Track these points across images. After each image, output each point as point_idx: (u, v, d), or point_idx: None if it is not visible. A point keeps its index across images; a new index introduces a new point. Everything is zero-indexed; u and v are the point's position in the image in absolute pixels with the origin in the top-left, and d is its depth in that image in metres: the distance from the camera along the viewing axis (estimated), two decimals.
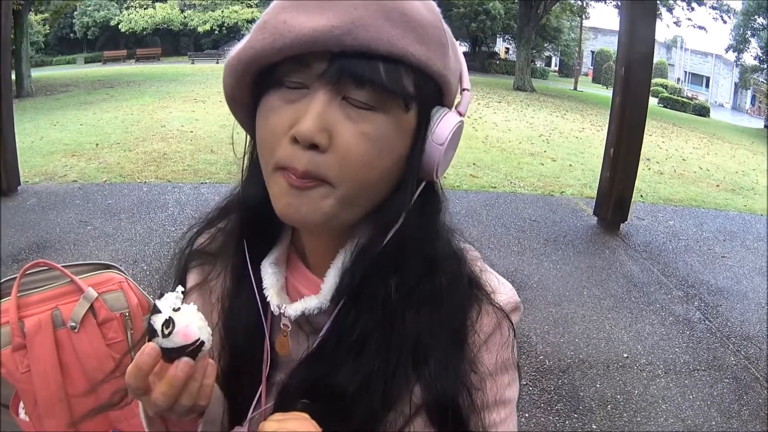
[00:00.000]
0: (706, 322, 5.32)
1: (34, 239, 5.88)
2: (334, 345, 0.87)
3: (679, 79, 62.50)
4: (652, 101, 35.03)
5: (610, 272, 6.28)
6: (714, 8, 34.79)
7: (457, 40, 0.89)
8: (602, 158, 7.96)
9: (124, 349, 1.83)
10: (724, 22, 36.17)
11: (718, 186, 12.19)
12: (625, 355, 4.59)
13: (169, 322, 0.75)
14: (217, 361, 0.92)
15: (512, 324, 0.94)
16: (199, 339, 0.76)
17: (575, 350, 4.61)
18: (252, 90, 0.84)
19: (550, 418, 3.81)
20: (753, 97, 57.95)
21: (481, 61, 47.09)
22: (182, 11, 52.80)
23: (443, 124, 0.82)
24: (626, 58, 7.21)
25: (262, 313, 0.93)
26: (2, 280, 1.86)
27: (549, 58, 63.72)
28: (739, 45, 41.50)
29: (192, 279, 1.06)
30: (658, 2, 29.49)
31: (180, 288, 0.79)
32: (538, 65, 51.84)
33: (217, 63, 41.10)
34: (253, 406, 0.95)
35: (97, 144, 11.03)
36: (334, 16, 0.72)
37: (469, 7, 40.41)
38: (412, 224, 0.85)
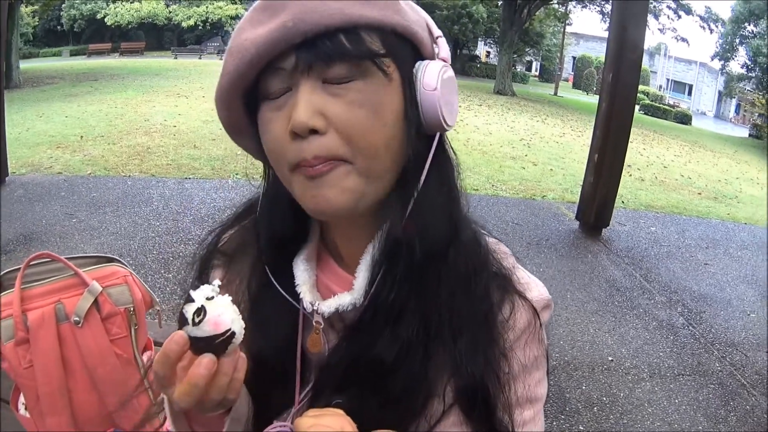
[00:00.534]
0: (690, 327, 5.36)
1: (21, 231, 5.85)
2: (371, 318, 0.87)
3: (661, 87, 62.85)
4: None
5: (592, 276, 6.32)
6: (702, 18, 34.95)
7: None
8: (584, 163, 8.01)
9: (127, 345, 1.82)
10: (711, 31, 36.37)
11: (700, 194, 12.29)
12: (610, 358, 4.63)
13: (200, 311, 0.74)
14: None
15: (542, 322, 0.94)
16: (230, 329, 0.74)
17: (560, 352, 4.64)
18: (247, 117, 0.87)
19: None
20: (738, 106, 58.33)
21: (462, 64, 46.99)
22: (167, 6, 52.48)
23: (428, 72, 0.84)
24: (614, 64, 7.23)
25: (301, 311, 0.94)
26: (3, 272, 1.84)
27: (530, 62, 63.77)
28: (725, 53, 41.68)
29: (216, 277, 1.04)
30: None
31: (217, 281, 0.78)
32: (518, 69, 51.84)
33: (200, 58, 40.97)
34: (297, 400, 0.94)
35: (81, 136, 10.95)
36: (285, 15, 0.76)
37: (452, 10, 40.31)
38: (434, 187, 0.87)
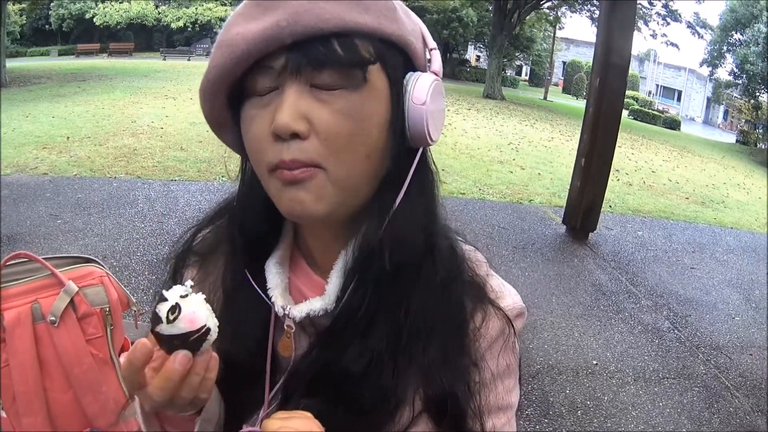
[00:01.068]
0: (675, 331, 5.38)
1: (5, 231, 5.80)
2: (342, 326, 0.86)
3: (650, 92, 63.16)
4: (623, 113, 35.44)
5: (578, 280, 6.33)
6: (689, 26, 35.17)
7: None
8: (572, 168, 8.03)
9: (103, 345, 1.80)
10: (701, 36, 36.59)
11: (687, 198, 12.36)
12: (595, 362, 4.63)
13: (175, 308, 0.73)
14: None
15: (515, 329, 0.94)
16: (205, 326, 0.74)
17: (544, 356, 4.64)
18: (230, 111, 0.85)
19: (521, 422, 3.82)
20: (725, 112, 58.82)
21: (452, 68, 47.08)
22: (156, 7, 52.44)
23: (419, 85, 0.82)
24: (602, 69, 7.26)
25: (273, 314, 0.93)
26: None
27: (520, 67, 64.07)
28: (714, 60, 41.99)
29: (188, 277, 1.04)
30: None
31: (189, 282, 0.77)
32: (508, 74, 52.04)
33: (189, 60, 40.85)
34: (266, 403, 0.93)
35: (68, 137, 10.89)
36: (279, 13, 0.74)
37: (442, 14, 40.39)
38: (410, 198, 0.85)
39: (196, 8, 51.02)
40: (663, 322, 5.55)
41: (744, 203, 13.42)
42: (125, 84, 21.86)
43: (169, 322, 0.73)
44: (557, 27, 42.91)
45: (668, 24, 34.14)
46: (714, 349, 5.14)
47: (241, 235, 0.94)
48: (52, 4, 50.81)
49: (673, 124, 40.93)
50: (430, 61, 0.87)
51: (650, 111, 44.38)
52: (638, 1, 26.92)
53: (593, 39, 8.53)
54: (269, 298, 0.91)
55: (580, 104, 34.72)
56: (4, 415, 1.77)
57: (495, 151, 14.41)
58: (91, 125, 12.50)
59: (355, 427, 0.84)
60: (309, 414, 0.79)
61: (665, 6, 33.10)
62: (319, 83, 0.77)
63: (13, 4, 33.42)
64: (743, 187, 16.60)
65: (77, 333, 1.77)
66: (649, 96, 58.39)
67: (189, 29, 51.79)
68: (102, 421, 1.81)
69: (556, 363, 4.57)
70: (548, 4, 35.96)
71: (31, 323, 1.73)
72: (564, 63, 64.42)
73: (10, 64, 25.28)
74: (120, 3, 51.07)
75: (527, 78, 64.62)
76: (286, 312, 0.89)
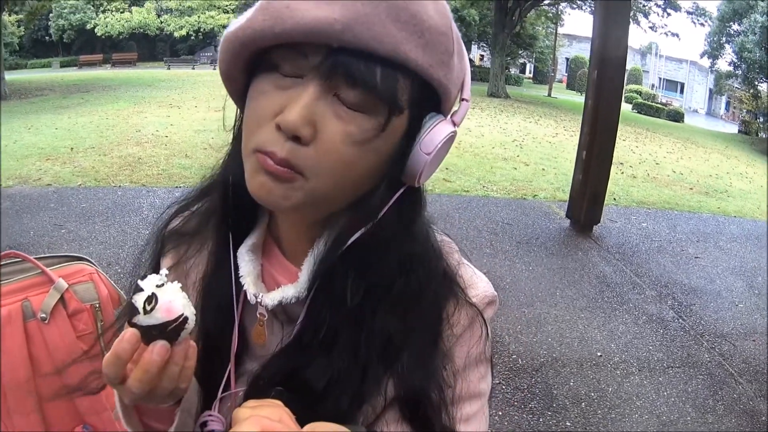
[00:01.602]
0: (680, 320, 5.37)
1: (7, 242, 5.80)
2: (310, 338, 0.85)
3: (653, 85, 62.95)
4: (627, 107, 35.29)
5: (582, 273, 6.32)
6: (689, 13, 35.15)
7: None
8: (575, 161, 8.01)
9: (94, 342, 1.81)
10: (702, 25, 36.54)
11: (691, 189, 12.33)
12: (599, 354, 4.63)
13: (152, 298, 0.73)
14: None
15: (485, 319, 0.93)
16: (182, 314, 0.73)
17: (548, 349, 4.63)
18: (246, 69, 0.82)
19: (524, 416, 3.82)
20: (727, 103, 58.62)
21: None
22: (159, 16, 52.56)
23: (434, 132, 0.80)
24: (599, 62, 7.26)
25: (234, 301, 0.92)
26: None
27: (523, 65, 63.82)
28: (713, 51, 41.87)
29: (168, 260, 1.04)
30: (634, 8, 29.83)
31: (165, 270, 0.76)
32: (512, 72, 51.97)
33: (193, 69, 40.99)
34: (221, 389, 0.93)
35: (72, 148, 10.90)
36: (339, 9, 0.70)
37: None
38: (390, 223, 0.83)
39: (199, 16, 51.15)
40: (667, 312, 5.54)
41: (746, 192, 13.41)
42: (129, 94, 21.88)
43: (146, 312, 0.73)
44: (558, 24, 42.84)
45: (669, 15, 34.11)
46: (718, 337, 5.14)
47: (219, 220, 0.94)
48: (51, 15, 50.86)
49: (677, 117, 40.71)
50: (457, 111, 0.85)
51: (653, 104, 44.14)
52: None
53: None
54: (241, 286, 0.91)
55: None
56: None
57: (499, 148, 14.39)
58: (96, 135, 12.51)
59: (324, 416, 0.82)
60: (279, 402, 0.78)
61: None
62: (343, 97, 0.74)
63: (9, 15, 33.37)
64: (746, 176, 16.61)
65: (68, 329, 1.78)
66: (652, 89, 58.13)
67: (192, 38, 51.95)
68: (95, 417, 1.81)
69: (560, 356, 4.57)
70: (548, 0, 35.93)
71: (21, 321, 1.73)
72: (567, 59, 64.24)
73: (10, 76, 25.30)
74: (121, 13, 51.18)
75: (531, 75, 64.42)
76: (259, 300, 0.89)
